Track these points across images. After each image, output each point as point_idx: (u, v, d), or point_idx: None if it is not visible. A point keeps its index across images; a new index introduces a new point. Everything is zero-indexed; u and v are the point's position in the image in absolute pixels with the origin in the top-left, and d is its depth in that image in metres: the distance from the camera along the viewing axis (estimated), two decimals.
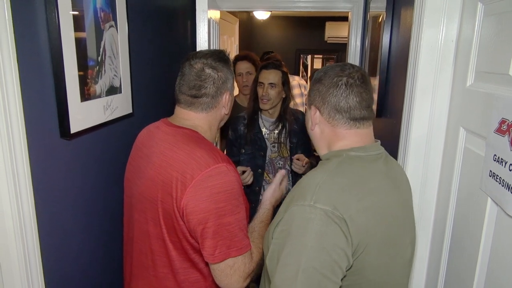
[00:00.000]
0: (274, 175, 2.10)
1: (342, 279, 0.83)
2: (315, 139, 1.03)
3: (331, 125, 0.96)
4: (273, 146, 2.17)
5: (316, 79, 1.00)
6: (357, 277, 0.87)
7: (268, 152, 2.17)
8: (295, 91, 3.61)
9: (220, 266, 1.03)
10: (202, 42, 1.85)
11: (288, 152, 2.17)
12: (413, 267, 1.37)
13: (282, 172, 1.32)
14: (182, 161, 1.05)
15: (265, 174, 2.18)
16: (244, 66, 2.68)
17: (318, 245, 0.79)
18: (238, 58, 2.74)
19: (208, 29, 1.87)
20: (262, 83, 2.08)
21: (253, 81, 2.22)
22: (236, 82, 2.74)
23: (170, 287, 1.13)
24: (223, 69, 1.17)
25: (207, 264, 1.09)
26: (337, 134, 0.97)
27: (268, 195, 1.28)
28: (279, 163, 2.18)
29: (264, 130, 2.17)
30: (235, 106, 2.68)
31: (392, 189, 0.95)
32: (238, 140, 2.18)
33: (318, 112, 0.98)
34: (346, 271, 0.84)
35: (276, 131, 2.16)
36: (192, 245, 1.09)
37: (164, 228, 1.08)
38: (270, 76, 2.06)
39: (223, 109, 1.22)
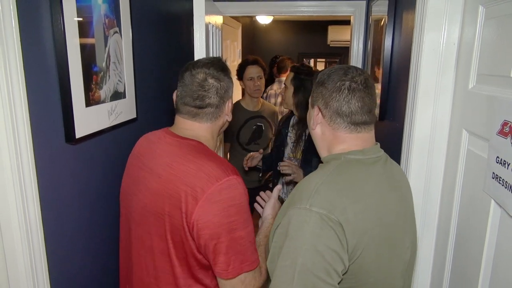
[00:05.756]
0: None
1: (340, 282, 0.83)
2: (316, 139, 1.04)
3: (332, 128, 0.97)
4: (293, 145, 2.20)
5: (319, 82, 1.00)
6: (356, 280, 0.87)
7: (287, 150, 2.21)
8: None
9: (232, 282, 1.00)
10: (199, 47, 1.83)
11: (301, 154, 2.17)
12: (418, 269, 1.37)
13: (278, 187, 1.34)
14: (192, 174, 1.01)
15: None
16: (255, 70, 2.67)
17: (312, 247, 0.80)
18: (248, 62, 2.70)
19: (206, 34, 1.87)
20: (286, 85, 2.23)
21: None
22: (246, 86, 2.70)
23: None
24: (225, 78, 1.16)
25: (211, 280, 1.06)
26: (337, 137, 0.97)
27: (269, 210, 1.28)
28: None
29: (291, 129, 2.23)
30: (240, 110, 2.70)
31: (390, 191, 0.95)
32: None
33: (320, 114, 0.99)
34: (343, 274, 0.84)
35: (299, 131, 2.19)
36: (198, 261, 1.05)
37: (171, 243, 1.04)
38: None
39: (226, 116, 1.21)
